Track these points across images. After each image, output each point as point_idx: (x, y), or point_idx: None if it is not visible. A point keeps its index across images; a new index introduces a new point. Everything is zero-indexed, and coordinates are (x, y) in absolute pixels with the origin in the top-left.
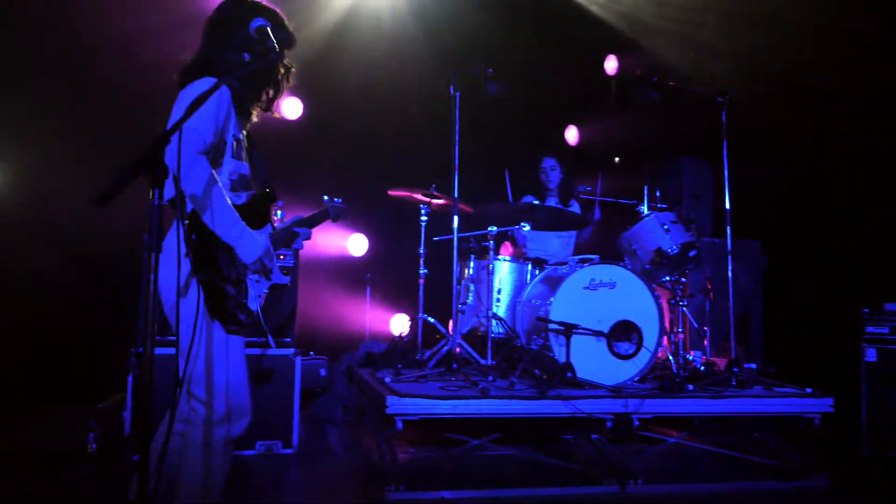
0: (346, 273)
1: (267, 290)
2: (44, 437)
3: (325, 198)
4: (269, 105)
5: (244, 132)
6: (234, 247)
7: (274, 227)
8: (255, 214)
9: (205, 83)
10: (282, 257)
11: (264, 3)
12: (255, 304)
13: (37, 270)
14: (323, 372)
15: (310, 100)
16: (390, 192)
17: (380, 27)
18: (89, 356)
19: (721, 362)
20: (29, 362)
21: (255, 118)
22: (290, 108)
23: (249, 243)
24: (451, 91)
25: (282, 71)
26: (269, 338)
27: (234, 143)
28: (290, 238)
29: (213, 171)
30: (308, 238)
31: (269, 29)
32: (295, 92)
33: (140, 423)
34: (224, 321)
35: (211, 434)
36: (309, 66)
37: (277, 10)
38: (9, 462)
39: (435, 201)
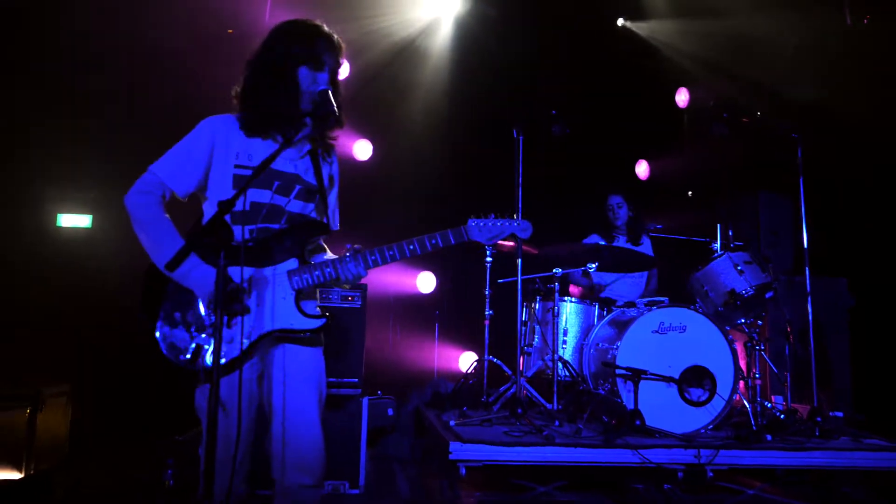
0: (415, 310)
1: (265, 332)
2: (129, 468)
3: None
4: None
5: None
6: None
7: (306, 262)
8: (267, 248)
9: (202, 123)
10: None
11: (303, 26)
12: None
13: (125, 304)
14: (390, 411)
15: (379, 142)
16: None
17: (444, 70)
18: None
19: (804, 409)
20: (122, 394)
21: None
22: (361, 149)
23: (192, 275)
24: (514, 135)
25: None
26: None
27: (238, 172)
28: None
29: (156, 207)
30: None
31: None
32: (365, 134)
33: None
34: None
35: None
36: (378, 111)
37: (315, 31)
38: (94, 494)
39: (500, 242)
